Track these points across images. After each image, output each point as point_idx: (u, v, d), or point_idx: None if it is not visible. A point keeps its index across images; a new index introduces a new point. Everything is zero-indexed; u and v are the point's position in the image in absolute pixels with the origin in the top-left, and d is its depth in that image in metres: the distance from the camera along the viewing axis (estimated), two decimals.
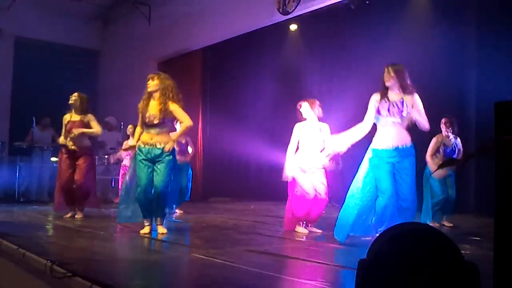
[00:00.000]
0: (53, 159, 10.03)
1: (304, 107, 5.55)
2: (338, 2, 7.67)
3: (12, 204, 8.78)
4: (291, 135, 5.58)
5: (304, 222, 5.52)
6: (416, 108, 4.45)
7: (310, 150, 5.46)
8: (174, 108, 4.96)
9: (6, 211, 7.51)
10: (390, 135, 4.47)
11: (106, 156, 10.23)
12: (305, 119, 5.57)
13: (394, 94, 4.50)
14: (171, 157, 4.94)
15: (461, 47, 8.14)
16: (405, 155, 4.43)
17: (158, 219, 5.04)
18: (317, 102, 5.58)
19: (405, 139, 4.46)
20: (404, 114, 4.43)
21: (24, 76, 12.52)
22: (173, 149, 5.02)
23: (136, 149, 5.01)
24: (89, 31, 13.59)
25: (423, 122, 4.46)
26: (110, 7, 13.16)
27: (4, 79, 12.35)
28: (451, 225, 6.33)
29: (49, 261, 3.22)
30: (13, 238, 4.27)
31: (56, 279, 3.02)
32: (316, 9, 8.06)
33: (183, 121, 5.08)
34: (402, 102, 4.45)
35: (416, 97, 4.48)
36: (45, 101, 12.04)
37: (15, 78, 12.58)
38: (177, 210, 7.62)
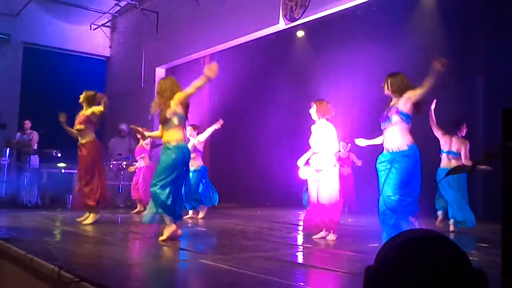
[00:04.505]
0: (61, 164, 10.08)
1: (311, 109, 5.58)
2: (344, 8, 7.68)
3: (20, 210, 8.82)
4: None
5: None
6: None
7: (316, 152, 5.48)
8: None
9: (14, 216, 7.54)
10: (385, 140, 4.63)
11: (114, 162, 10.27)
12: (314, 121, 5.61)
13: (394, 100, 4.65)
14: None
15: (468, 52, 8.13)
16: (399, 157, 4.48)
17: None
18: (326, 103, 5.59)
19: (399, 142, 4.51)
20: (392, 118, 4.54)
21: (33, 82, 12.62)
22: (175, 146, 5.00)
23: None
24: (97, 38, 13.68)
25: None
26: (118, 14, 13.25)
27: (13, 85, 12.44)
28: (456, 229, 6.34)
29: (56, 266, 3.23)
30: (21, 243, 4.29)
31: (63, 284, 3.03)
32: (323, 16, 8.07)
33: None
34: (392, 107, 4.57)
35: (402, 99, 4.56)
36: (53, 108, 12.13)
37: (24, 84, 12.67)
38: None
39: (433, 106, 6.47)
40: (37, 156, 10.15)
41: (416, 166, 4.48)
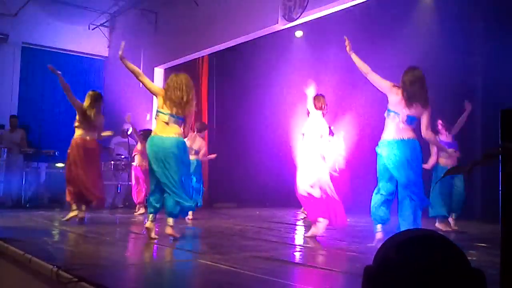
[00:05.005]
0: (59, 164, 10.07)
1: (308, 102, 5.61)
2: (343, 8, 7.67)
3: (19, 210, 8.81)
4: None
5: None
6: None
7: (308, 145, 5.49)
8: None
9: (12, 216, 7.54)
10: None
11: (112, 162, 10.26)
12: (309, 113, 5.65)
13: None
14: None
15: (467, 52, 8.14)
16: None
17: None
18: (320, 97, 5.61)
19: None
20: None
21: (31, 82, 12.61)
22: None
23: None
24: (96, 38, 13.65)
25: None
26: (117, 14, 13.23)
27: (11, 85, 12.42)
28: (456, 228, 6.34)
29: (55, 266, 3.23)
30: (20, 244, 4.28)
31: (62, 284, 3.03)
32: (322, 16, 8.06)
33: None
34: None
35: None
36: (52, 108, 12.13)
37: (22, 84, 12.64)
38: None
39: (469, 109, 6.63)
40: (21, 154, 10.16)
41: (383, 161, 4.63)
